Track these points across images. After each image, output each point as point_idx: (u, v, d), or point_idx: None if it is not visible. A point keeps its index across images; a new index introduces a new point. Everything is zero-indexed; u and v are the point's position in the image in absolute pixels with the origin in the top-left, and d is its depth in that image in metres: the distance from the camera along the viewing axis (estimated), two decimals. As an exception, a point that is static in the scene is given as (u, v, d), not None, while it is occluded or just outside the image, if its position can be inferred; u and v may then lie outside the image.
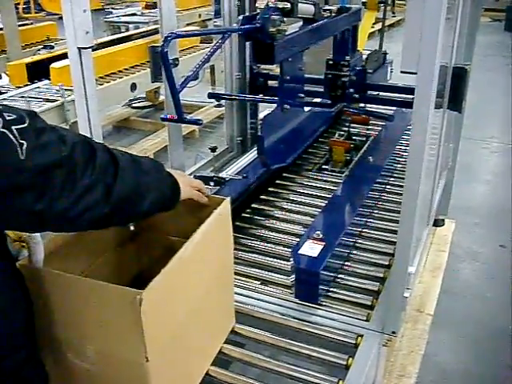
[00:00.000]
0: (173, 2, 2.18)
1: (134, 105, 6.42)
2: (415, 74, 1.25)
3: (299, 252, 1.73)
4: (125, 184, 1.06)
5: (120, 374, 1.20)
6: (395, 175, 2.58)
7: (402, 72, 1.27)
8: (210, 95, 2.52)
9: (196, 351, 1.44)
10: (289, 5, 1.80)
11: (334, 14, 2.25)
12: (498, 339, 2.78)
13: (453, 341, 2.78)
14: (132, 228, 1.60)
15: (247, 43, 2.62)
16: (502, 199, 4.23)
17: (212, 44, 1.80)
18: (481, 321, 2.92)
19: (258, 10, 2.41)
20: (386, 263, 1.92)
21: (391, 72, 3.04)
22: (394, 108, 2.96)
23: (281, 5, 1.77)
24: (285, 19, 1.78)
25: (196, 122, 1.86)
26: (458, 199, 3.51)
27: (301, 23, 2.10)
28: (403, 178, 2.47)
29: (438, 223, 3.15)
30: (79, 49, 1.75)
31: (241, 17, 1.71)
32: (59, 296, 1.18)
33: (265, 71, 2.79)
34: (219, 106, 6.05)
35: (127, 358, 1.17)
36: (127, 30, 7.25)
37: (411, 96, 2.45)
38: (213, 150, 2.41)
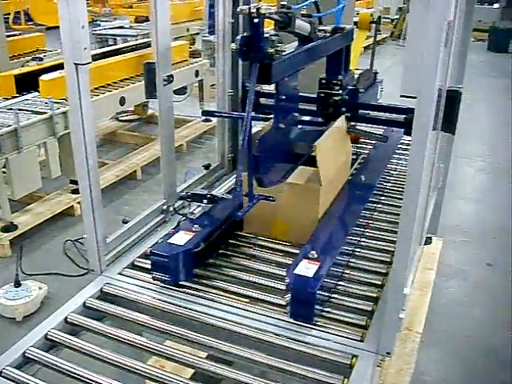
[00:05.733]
0: (168, 17, 2.16)
1: (121, 118, 6.41)
2: (415, 98, 1.26)
3: (295, 272, 1.72)
4: None
5: (301, 197, 2.10)
6: (386, 194, 2.59)
7: (401, 96, 1.29)
8: (204, 113, 2.50)
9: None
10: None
11: (328, 34, 2.27)
12: (486, 357, 2.80)
13: (442, 359, 2.79)
14: None
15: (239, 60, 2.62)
16: (488, 218, 4.28)
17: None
18: (469, 339, 2.94)
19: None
20: (379, 283, 1.93)
21: (381, 91, 3.07)
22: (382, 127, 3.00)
23: (277, 16, 1.76)
24: (282, 40, 1.78)
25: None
26: (445, 218, 3.55)
27: (296, 43, 2.12)
28: (394, 197, 2.51)
29: (426, 241, 3.17)
30: (76, 65, 1.73)
31: (239, 36, 1.70)
32: None
33: (257, 88, 2.78)
34: (207, 120, 6.07)
35: (308, 184, 2.10)
36: (115, 42, 7.26)
37: (402, 116, 2.51)
38: (206, 167, 2.39)
